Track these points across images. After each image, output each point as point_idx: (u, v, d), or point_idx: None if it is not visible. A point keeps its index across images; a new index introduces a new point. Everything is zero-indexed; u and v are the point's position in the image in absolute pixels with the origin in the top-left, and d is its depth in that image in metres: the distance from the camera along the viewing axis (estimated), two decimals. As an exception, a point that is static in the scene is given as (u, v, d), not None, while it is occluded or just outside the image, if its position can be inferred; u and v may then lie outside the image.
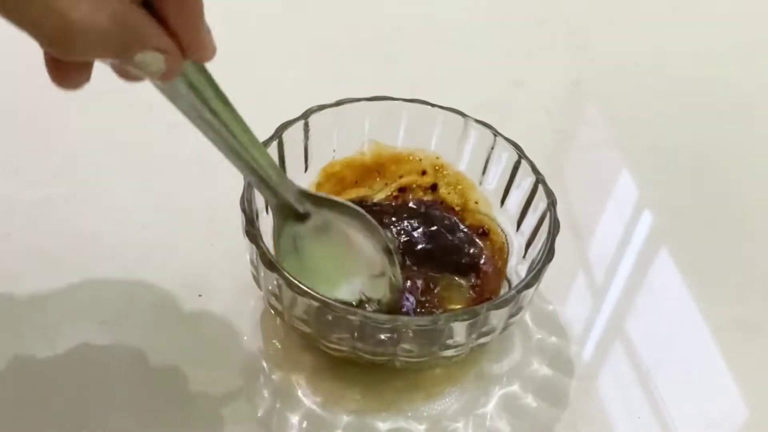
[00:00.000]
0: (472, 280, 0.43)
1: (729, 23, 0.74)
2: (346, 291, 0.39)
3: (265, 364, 0.41)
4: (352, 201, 0.45)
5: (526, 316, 0.45)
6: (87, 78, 0.29)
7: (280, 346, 0.42)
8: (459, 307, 0.42)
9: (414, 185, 0.47)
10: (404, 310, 0.41)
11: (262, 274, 0.37)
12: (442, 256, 0.44)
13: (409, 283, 0.42)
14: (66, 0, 0.24)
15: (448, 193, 0.47)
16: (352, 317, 0.35)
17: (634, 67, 0.67)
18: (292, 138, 0.42)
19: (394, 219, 0.45)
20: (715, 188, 0.56)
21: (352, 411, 0.40)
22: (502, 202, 0.44)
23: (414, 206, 0.46)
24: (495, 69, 0.64)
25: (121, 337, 0.41)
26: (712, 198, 0.55)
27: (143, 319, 0.42)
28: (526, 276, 0.38)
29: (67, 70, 0.28)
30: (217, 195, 0.46)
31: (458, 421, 0.40)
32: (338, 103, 0.43)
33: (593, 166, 0.57)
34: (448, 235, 0.45)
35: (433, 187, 0.47)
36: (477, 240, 0.45)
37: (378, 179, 0.47)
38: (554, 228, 0.39)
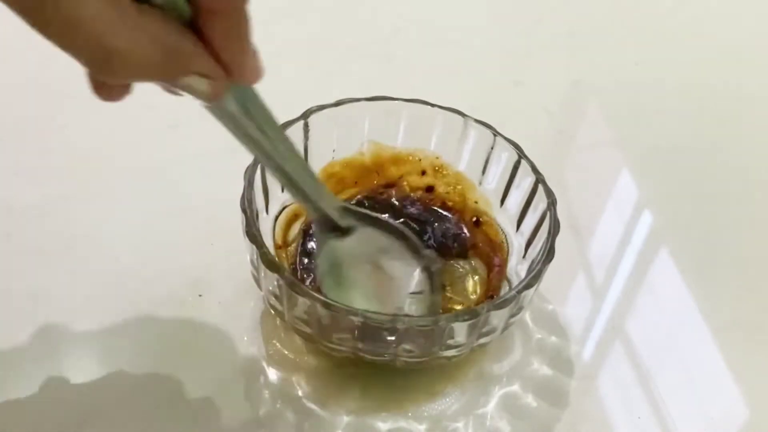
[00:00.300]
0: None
1: (729, 23, 0.74)
2: (384, 306, 0.38)
3: (264, 364, 0.41)
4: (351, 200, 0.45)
5: (526, 316, 0.45)
6: (128, 92, 0.28)
7: (280, 346, 0.42)
8: (460, 307, 0.42)
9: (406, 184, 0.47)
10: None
11: (263, 275, 0.37)
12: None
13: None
14: (108, 29, 0.24)
15: (447, 193, 0.47)
16: (352, 317, 0.35)
17: (634, 67, 0.67)
18: (293, 137, 0.42)
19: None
20: (715, 188, 0.56)
21: (352, 411, 0.39)
22: (502, 202, 0.44)
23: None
24: (495, 69, 0.65)
25: (121, 337, 0.41)
26: (712, 198, 0.55)
27: (143, 319, 0.42)
28: (527, 276, 0.38)
29: (109, 87, 0.28)
30: (217, 195, 0.46)
31: (458, 421, 0.40)
32: (338, 103, 0.43)
33: (593, 166, 0.57)
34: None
35: (429, 189, 0.47)
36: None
37: (377, 180, 0.47)
38: (554, 228, 0.39)
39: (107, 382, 0.39)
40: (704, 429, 0.41)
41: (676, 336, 0.45)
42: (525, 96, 0.62)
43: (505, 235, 0.44)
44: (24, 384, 0.39)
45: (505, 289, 0.42)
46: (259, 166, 0.39)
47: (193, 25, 0.26)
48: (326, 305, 0.35)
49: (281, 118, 0.42)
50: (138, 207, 0.48)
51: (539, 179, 0.41)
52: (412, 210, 0.46)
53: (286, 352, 0.42)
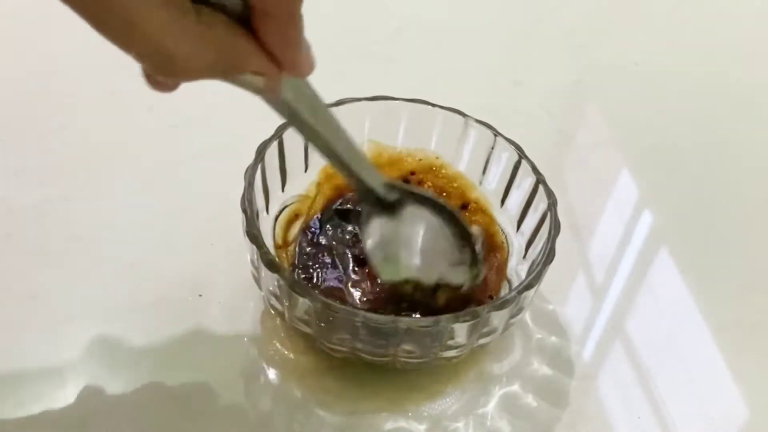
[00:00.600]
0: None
1: (729, 23, 0.74)
2: (427, 274, 0.40)
3: (264, 364, 0.41)
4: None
5: (526, 316, 0.45)
6: (179, 84, 0.29)
7: (280, 346, 0.42)
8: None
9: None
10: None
11: (263, 275, 0.37)
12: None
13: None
14: (169, 34, 0.24)
15: (448, 192, 0.47)
16: (352, 318, 0.35)
17: (634, 67, 0.67)
18: (292, 138, 0.42)
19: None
20: (715, 188, 0.56)
21: (352, 411, 0.39)
22: (502, 202, 0.44)
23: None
24: (495, 69, 0.65)
25: (121, 337, 0.41)
26: (712, 198, 0.55)
27: (143, 319, 0.42)
28: (527, 277, 0.38)
29: (163, 82, 0.28)
30: (217, 195, 0.46)
31: (459, 421, 0.40)
32: (338, 103, 0.43)
33: (593, 166, 0.57)
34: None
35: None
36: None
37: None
38: (555, 228, 0.39)
39: (107, 382, 0.39)
40: (704, 429, 0.41)
41: (676, 336, 0.45)
42: (525, 96, 0.62)
43: (506, 236, 0.44)
44: (24, 383, 0.39)
45: (505, 290, 0.42)
46: (259, 167, 0.39)
47: (247, 23, 0.27)
48: (326, 305, 0.35)
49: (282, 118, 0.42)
50: (138, 207, 0.48)
51: (539, 180, 0.41)
52: None
53: (286, 352, 0.42)
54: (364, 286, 0.42)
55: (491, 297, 0.42)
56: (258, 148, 0.40)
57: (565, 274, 0.47)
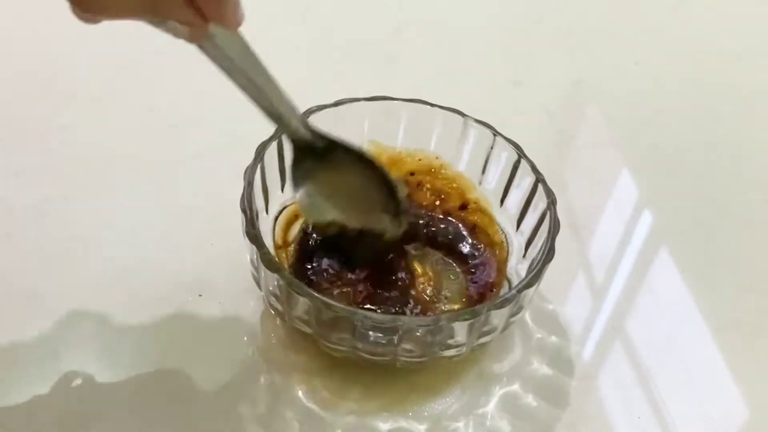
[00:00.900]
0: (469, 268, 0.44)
1: (729, 23, 0.74)
2: (351, 219, 0.41)
3: (264, 364, 0.41)
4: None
5: (526, 315, 0.45)
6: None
7: (280, 346, 0.42)
8: (458, 306, 0.42)
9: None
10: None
11: (263, 275, 0.37)
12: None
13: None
14: None
15: (448, 192, 0.47)
16: (352, 317, 0.35)
17: (634, 67, 0.67)
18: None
19: None
20: (715, 188, 0.56)
21: (352, 411, 0.39)
22: (502, 201, 0.44)
23: None
24: (495, 69, 0.65)
25: (121, 337, 0.41)
26: (712, 198, 0.55)
27: (143, 318, 0.42)
28: (527, 275, 0.38)
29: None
30: (217, 195, 0.46)
31: (459, 421, 0.40)
32: (337, 103, 0.43)
33: (593, 166, 0.57)
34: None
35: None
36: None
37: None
38: (554, 227, 0.39)
39: (107, 382, 0.39)
40: (704, 429, 0.41)
41: (676, 336, 0.45)
42: (525, 96, 0.62)
43: (505, 235, 0.44)
44: (24, 384, 0.39)
45: (505, 289, 0.42)
46: (258, 167, 0.39)
47: None
48: (326, 305, 0.35)
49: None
50: (138, 207, 0.48)
51: (539, 179, 0.41)
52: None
53: (286, 352, 0.42)
54: (363, 285, 0.42)
55: (492, 290, 0.42)
56: (257, 148, 0.40)
57: (565, 274, 0.47)
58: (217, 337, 0.42)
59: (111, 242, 0.46)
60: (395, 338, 0.36)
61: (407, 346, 0.37)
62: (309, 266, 0.43)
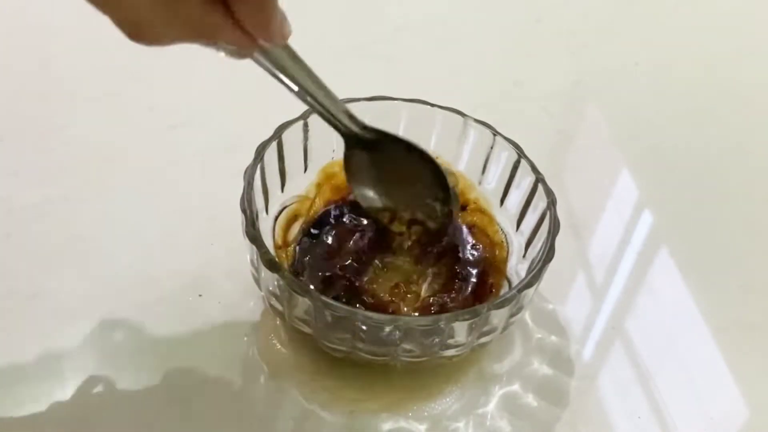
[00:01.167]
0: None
1: (729, 23, 0.74)
2: (403, 207, 0.43)
3: (264, 364, 0.41)
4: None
5: (526, 315, 0.45)
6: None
7: (279, 346, 0.42)
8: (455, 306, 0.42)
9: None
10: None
11: (263, 275, 0.37)
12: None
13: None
14: (140, 5, 0.26)
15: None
16: (352, 317, 0.35)
17: (634, 67, 0.67)
18: (292, 138, 0.42)
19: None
20: (715, 188, 0.56)
21: (352, 411, 0.39)
22: (502, 201, 0.44)
23: None
24: (495, 69, 0.65)
25: (121, 336, 0.41)
26: (712, 198, 0.55)
27: (143, 318, 0.42)
28: (527, 275, 0.38)
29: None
30: (217, 195, 0.46)
31: (459, 421, 0.40)
32: (337, 103, 0.43)
33: (593, 166, 0.57)
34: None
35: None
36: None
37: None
38: (554, 227, 0.39)
39: (107, 382, 0.39)
40: (704, 429, 0.41)
41: (676, 336, 0.45)
42: (525, 96, 0.62)
43: (505, 235, 0.44)
44: (24, 383, 0.39)
45: (505, 289, 0.42)
46: (258, 167, 0.39)
47: None
48: (326, 305, 0.35)
49: (281, 118, 0.42)
50: (138, 207, 0.48)
51: (539, 178, 0.41)
52: None
53: (286, 352, 0.42)
54: (364, 285, 0.42)
55: (492, 291, 0.42)
56: (257, 148, 0.40)
57: (565, 274, 0.47)
58: (217, 337, 0.42)
59: (111, 242, 0.46)
60: (395, 338, 0.36)
61: (407, 346, 0.37)
62: (309, 266, 0.43)
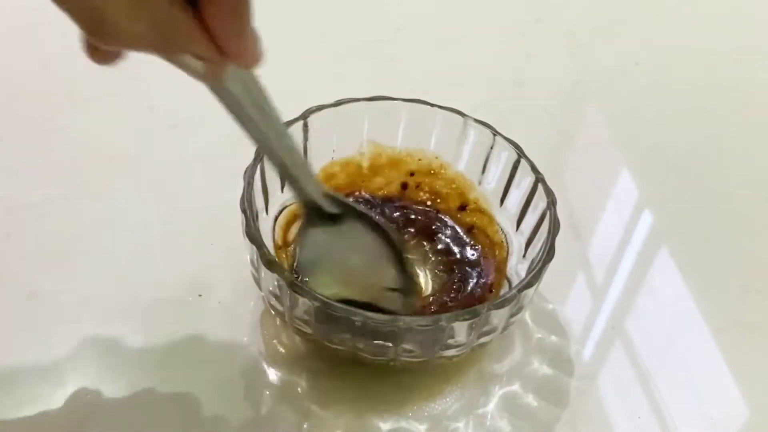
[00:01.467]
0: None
1: (729, 23, 0.74)
2: (359, 294, 0.38)
3: (265, 364, 0.41)
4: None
5: (526, 315, 0.45)
6: (120, 58, 0.28)
7: (280, 346, 0.42)
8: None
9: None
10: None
11: (263, 275, 0.37)
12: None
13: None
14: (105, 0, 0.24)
15: (447, 193, 0.47)
16: (353, 318, 0.35)
17: (634, 67, 0.67)
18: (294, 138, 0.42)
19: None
20: (715, 188, 0.56)
21: (353, 411, 0.39)
22: (502, 201, 0.44)
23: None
24: (495, 69, 0.65)
25: (121, 337, 0.41)
26: (712, 198, 0.55)
27: (143, 318, 0.42)
28: (527, 275, 0.38)
29: (102, 51, 0.28)
30: (217, 195, 0.46)
31: (459, 421, 0.40)
32: (337, 104, 0.43)
33: (593, 166, 0.57)
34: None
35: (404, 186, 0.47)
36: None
37: (376, 179, 0.47)
38: (554, 227, 0.39)
39: (107, 382, 0.39)
40: (704, 429, 0.41)
41: (676, 336, 0.45)
42: (525, 96, 0.62)
43: (505, 235, 0.44)
44: (24, 384, 0.39)
45: (505, 289, 0.42)
46: (258, 167, 0.39)
47: (195, 4, 0.26)
48: (326, 305, 0.35)
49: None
50: (138, 207, 0.48)
51: (539, 178, 0.41)
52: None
53: (286, 352, 0.42)
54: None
55: (491, 290, 0.42)
56: (257, 148, 0.40)
57: (565, 274, 0.47)
58: (217, 337, 0.42)
59: (111, 242, 0.46)
60: (396, 338, 0.36)
61: (407, 346, 0.37)
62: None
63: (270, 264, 0.36)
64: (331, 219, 0.38)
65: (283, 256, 0.43)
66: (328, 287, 0.37)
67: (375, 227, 0.39)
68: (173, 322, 0.42)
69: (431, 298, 0.42)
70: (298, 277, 0.38)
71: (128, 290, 0.43)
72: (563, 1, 0.75)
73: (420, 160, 0.47)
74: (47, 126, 0.53)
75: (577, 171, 0.56)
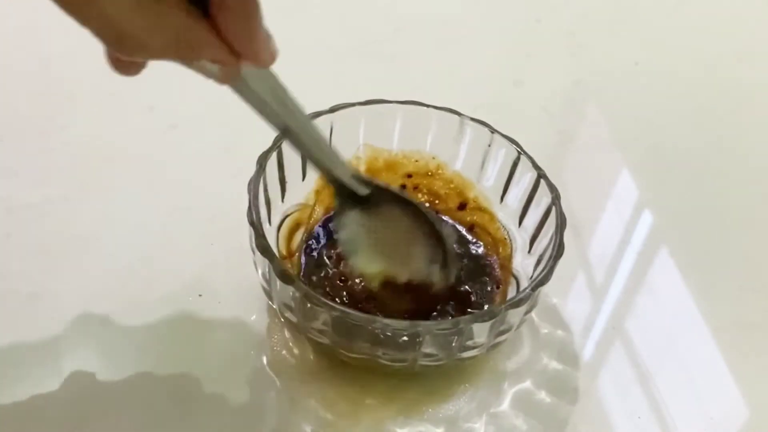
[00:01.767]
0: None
1: (729, 23, 0.74)
2: (397, 270, 0.40)
3: (265, 365, 0.41)
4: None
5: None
6: (143, 68, 0.30)
7: (280, 346, 0.42)
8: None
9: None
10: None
11: (277, 287, 0.36)
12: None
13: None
14: (123, 13, 0.25)
15: (446, 193, 0.47)
16: (372, 326, 0.34)
17: (634, 67, 0.67)
18: (288, 145, 0.42)
19: None
20: (715, 188, 0.56)
21: (368, 417, 0.39)
22: (502, 198, 0.44)
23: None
24: (495, 69, 0.64)
25: (121, 337, 0.41)
26: (712, 198, 0.55)
27: (143, 319, 0.42)
28: (540, 272, 0.38)
29: (125, 62, 0.29)
30: (217, 195, 0.46)
31: (474, 422, 0.40)
32: (332, 110, 0.42)
33: (593, 166, 0.57)
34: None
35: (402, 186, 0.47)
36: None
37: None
38: (561, 222, 0.39)
39: (107, 382, 0.39)
40: (704, 429, 0.41)
41: (676, 336, 0.45)
42: (525, 96, 0.62)
43: (507, 232, 0.44)
44: (24, 384, 0.39)
45: (512, 286, 0.42)
46: (262, 179, 0.39)
47: (205, 8, 0.27)
48: (344, 314, 0.34)
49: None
50: (138, 207, 0.48)
51: (541, 174, 0.41)
52: None
53: (286, 353, 0.42)
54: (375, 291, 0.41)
55: (498, 287, 0.42)
56: (259, 158, 0.39)
57: (565, 274, 0.47)
58: (217, 337, 0.42)
59: (111, 242, 0.46)
60: (415, 343, 0.35)
61: (428, 350, 0.36)
62: (317, 275, 0.43)
63: (283, 276, 0.35)
64: (364, 200, 0.39)
65: (289, 266, 0.43)
66: (372, 264, 0.39)
67: (407, 204, 0.40)
68: (173, 322, 0.42)
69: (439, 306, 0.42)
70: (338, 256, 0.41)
71: (128, 290, 0.43)
72: (563, 1, 0.75)
73: (417, 161, 0.47)
74: (47, 126, 0.53)
75: (577, 171, 0.56)
